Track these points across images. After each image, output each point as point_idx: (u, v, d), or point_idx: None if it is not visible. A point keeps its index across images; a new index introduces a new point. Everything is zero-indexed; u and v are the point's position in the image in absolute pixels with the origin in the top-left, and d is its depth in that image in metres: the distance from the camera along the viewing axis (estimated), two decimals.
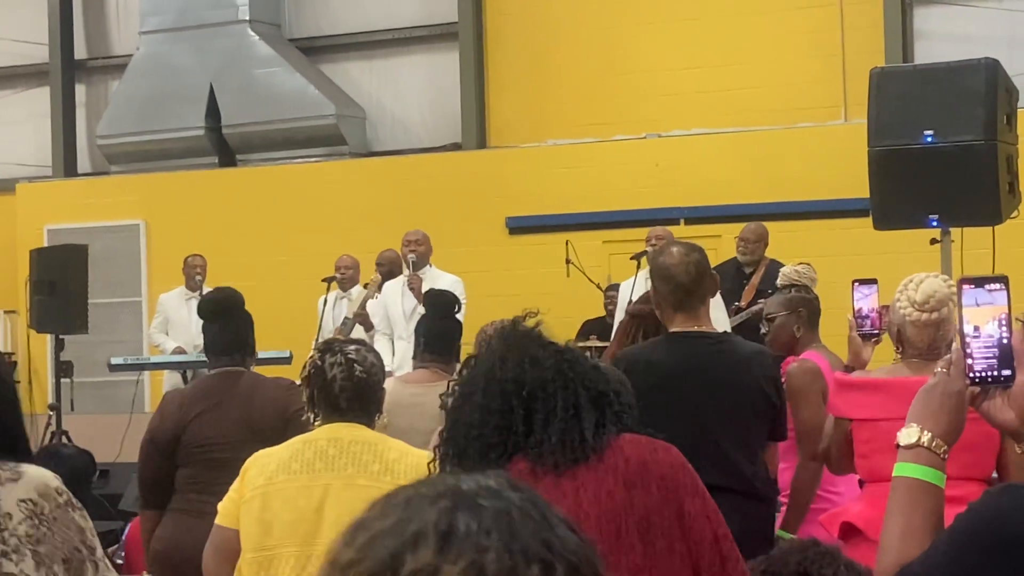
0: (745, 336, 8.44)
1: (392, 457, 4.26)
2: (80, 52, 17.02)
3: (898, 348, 4.92)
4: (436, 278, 10.21)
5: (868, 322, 5.39)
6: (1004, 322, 2.40)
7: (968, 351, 2.40)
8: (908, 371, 4.91)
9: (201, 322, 11.42)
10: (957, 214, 7.88)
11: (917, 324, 4.84)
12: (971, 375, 2.40)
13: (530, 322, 3.38)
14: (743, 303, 10.93)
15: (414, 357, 6.38)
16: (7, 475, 3.27)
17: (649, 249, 10.30)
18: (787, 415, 5.39)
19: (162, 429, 5.47)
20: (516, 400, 3.25)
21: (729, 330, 8.16)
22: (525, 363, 3.28)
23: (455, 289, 9.90)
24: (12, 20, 17.06)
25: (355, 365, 4.32)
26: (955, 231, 8.18)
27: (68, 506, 3.30)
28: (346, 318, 10.74)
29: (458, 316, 6.34)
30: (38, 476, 3.30)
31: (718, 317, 7.37)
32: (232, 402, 5.39)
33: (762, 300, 10.84)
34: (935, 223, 7.97)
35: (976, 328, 2.40)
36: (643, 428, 3.42)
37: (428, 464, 3.39)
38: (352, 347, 4.41)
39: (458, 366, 3.48)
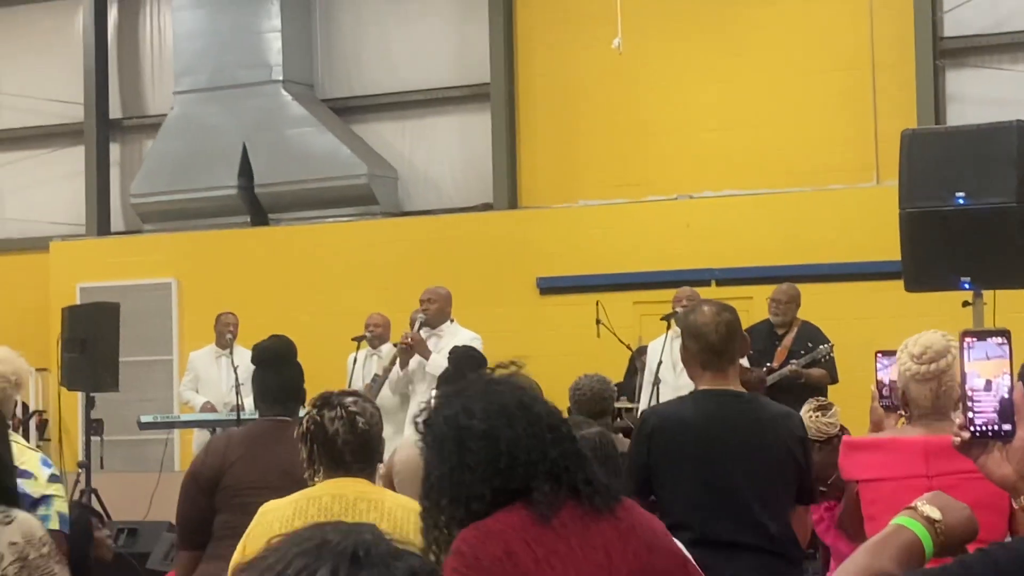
0: (777, 397, 8.42)
1: (399, 515, 4.19)
2: (115, 111, 17.17)
3: (905, 410, 4.89)
4: (455, 334, 10.20)
5: (890, 392, 5.35)
6: (1006, 377, 2.39)
7: (969, 404, 2.39)
8: (916, 431, 4.88)
9: (233, 380, 11.54)
10: (989, 277, 7.85)
11: (917, 378, 4.81)
12: (971, 428, 2.40)
13: (508, 371, 3.39)
14: (775, 364, 10.89)
15: None
16: (1, 517, 3.32)
17: (678, 310, 10.29)
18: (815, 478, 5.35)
19: (205, 467, 5.43)
20: (559, 435, 3.26)
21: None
22: (543, 402, 3.31)
23: (477, 344, 9.90)
24: (48, 80, 17.24)
25: (357, 418, 4.28)
26: (987, 294, 8.14)
27: (50, 557, 3.34)
28: (375, 376, 10.73)
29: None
30: (27, 522, 3.36)
31: None
32: (276, 449, 5.32)
33: (794, 361, 10.82)
34: (967, 285, 7.94)
35: (978, 382, 2.40)
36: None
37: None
38: (350, 399, 4.36)
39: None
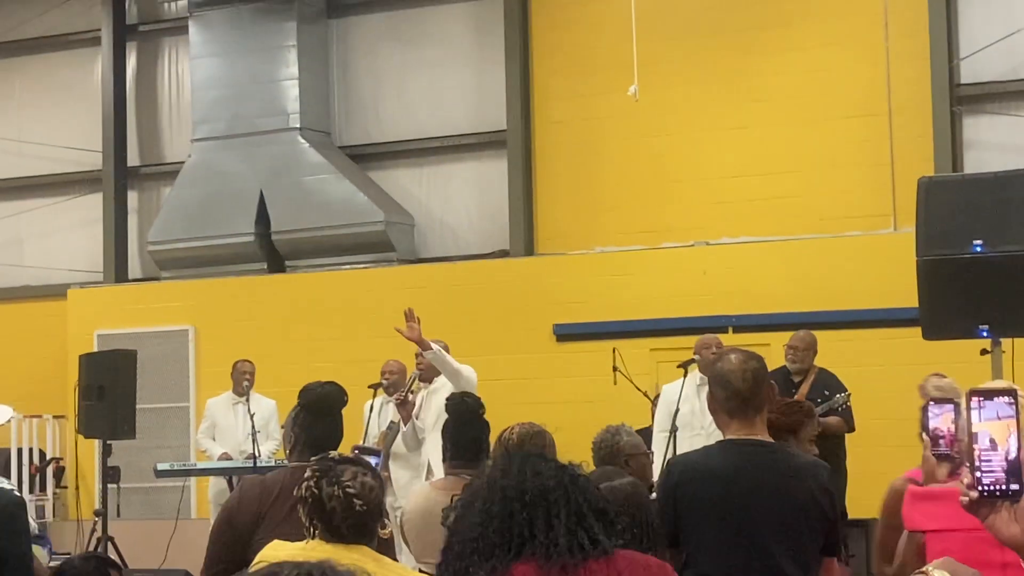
0: None
1: None
2: (133, 159, 17.24)
3: (958, 468, 4.84)
4: (445, 382, 10.17)
5: (943, 442, 5.29)
6: (1014, 436, 2.39)
7: (978, 464, 2.39)
8: None
9: (249, 427, 11.53)
10: (1007, 324, 7.83)
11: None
12: (979, 488, 2.39)
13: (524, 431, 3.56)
14: None
15: (444, 461, 6.35)
16: None
17: (697, 358, 10.26)
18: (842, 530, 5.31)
19: (241, 512, 5.39)
20: (517, 504, 3.33)
21: None
22: (526, 472, 3.39)
23: (465, 372, 9.88)
24: (66, 127, 17.33)
25: (354, 500, 4.22)
26: (1005, 342, 8.11)
27: None
28: (391, 423, 10.73)
29: (483, 417, 6.30)
30: None
31: None
32: None
33: None
34: (985, 333, 7.91)
35: (986, 441, 2.40)
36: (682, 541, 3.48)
37: None
38: (349, 475, 4.28)
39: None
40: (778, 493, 5.05)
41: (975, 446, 2.42)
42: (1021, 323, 7.81)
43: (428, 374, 10.23)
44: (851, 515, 10.89)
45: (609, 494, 3.85)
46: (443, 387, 10.14)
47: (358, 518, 4.25)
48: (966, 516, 4.86)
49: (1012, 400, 2.43)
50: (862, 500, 11.37)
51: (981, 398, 2.44)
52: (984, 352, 8.11)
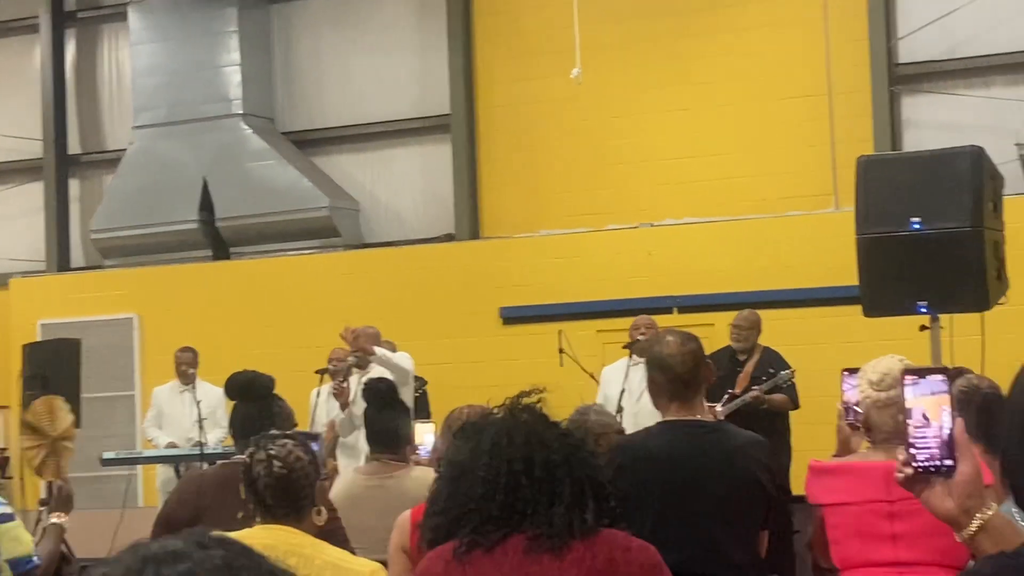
0: (739, 422, 8.45)
1: (329, 574, 4.16)
2: (74, 147, 17.13)
3: (868, 434, 4.93)
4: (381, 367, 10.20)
5: (857, 414, 5.37)
6: (947, 413, 2.44)
7: (912, 440, 2.44)
8: (879, 456, 4.91)
9: (196, 415, 11.50)
10: (945, 301, 7.90)
11: (877, 404, 4.85)
12: (914, 464, 2.44)
13: (533, 399, 3.45)
14: (737, 390, 10.94)
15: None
16: None
17: (639, 338, 10.32)
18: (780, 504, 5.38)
19: (177, 512, 5.40)
20: (525, 478, 3.31)
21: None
22: (533, 442, 3.35)
23: (404, 363, 9.93)
24: (6, 116, 17.19)
25: (274, 461, 4.25)
26: (944, 317, 8.19)
27: None
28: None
29: (404, 399, 6.32)
30: None
31: None
32: None
33: (756, 387, 10.87)
34: (924, 310, 7.98)
35: (920, 418, 2.45)
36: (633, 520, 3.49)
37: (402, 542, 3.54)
38: (279, 442, 4.32)
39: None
40: (719, 472, 5.10)
41: (909, 423, 2.46)
42: (959, 299, 7.89)
43: (363, 361, 10.24)
44: (795, 491, 11.02)
45: None
46: (375, 370, 10.16)
47: (280, 484, 4.25)
48: (860, 489, 4.96)
49: (945, 378, 2.47)
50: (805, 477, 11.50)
51: (915, 376, 2.49)
52: (923, 328, 8.19)
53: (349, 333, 9.76)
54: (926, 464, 2.45)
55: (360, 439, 10.12)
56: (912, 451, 2.45)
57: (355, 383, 10.27)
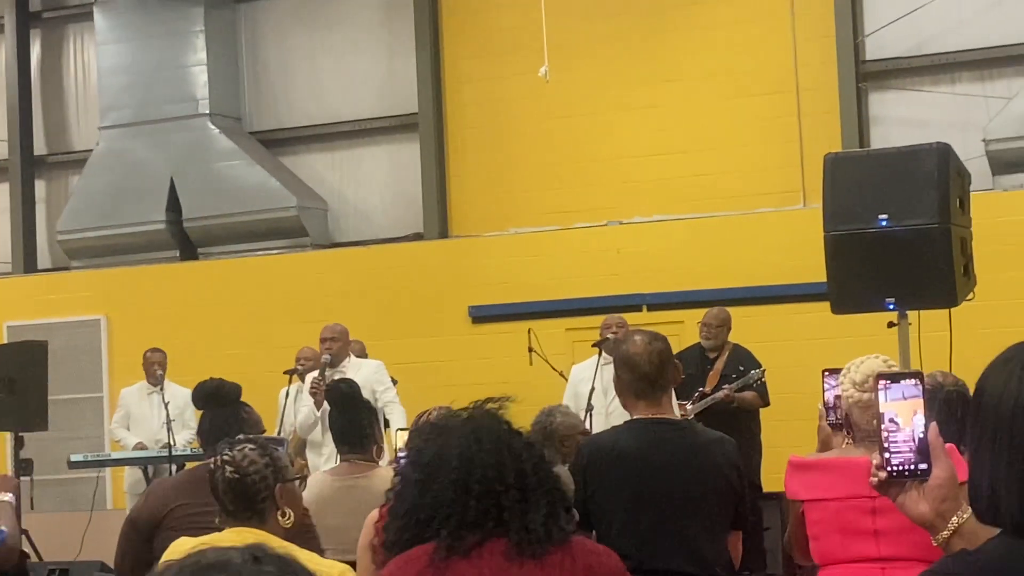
0: (710, 421, 8.47)
1: None
2: (39, 148, 17.04)
3: (848, 433, 4.94)
4: (357, 368, 10.21)
5: (837, 412, 5.38)
6: (920, 417, 2.43)
7: (886, 445, 2.44)
8: (859, 452, 4.92)
9: (164, 417, 11.45)
10: (913, 297, 7.92)
11: (860, 405, 4.87)
12: (888, 468, 2.44)
13: (496, 405, 3.46)
14: (707, 388, 10.96)
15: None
16: None
17: (610, 336, 10.32)
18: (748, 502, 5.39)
19: (145, 513, 5.41)
20: (499, 485, 3.31)
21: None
22: (502, 449, 3.36)
23: (379, 374, 9.95)
24: None
25: (227, 467, 4.29)
26: (912, 314, 8.21)
27: None
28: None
29: (370, 401, 6.33)
30: None
31: None
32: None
33: (726, 385, 10.89)
34: (892, 306, 8.00)
35: (894, 422, 2.45)
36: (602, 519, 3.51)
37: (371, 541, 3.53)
38: (238, 447, 4.36)
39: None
40: (687, 470, 5.11)
41: (883, 427, 2.46)
42: (926, 296, 7.92)
43: (337, 359, 10.24)
44: (765, 488, 11.07)
45: None
46: (350, 370, 10.15)
47: (232, 488, 4.29)
48: (841, 485, 4.97)
49: (918, 382, 2.48)
50: (776, 474, 11.51)
51: (888, 381, 2.49)
52: (891, 325, 8.20)
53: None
54: (900, 468, 2.45)
55: (328, 437, 10.13)
56: (886, 455, 2.46)
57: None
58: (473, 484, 3.29)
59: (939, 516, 2.41)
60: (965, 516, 2.36)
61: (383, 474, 5.99)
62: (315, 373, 10.35)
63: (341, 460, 6.24)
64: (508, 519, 3.29)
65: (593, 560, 3.38)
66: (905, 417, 2.47)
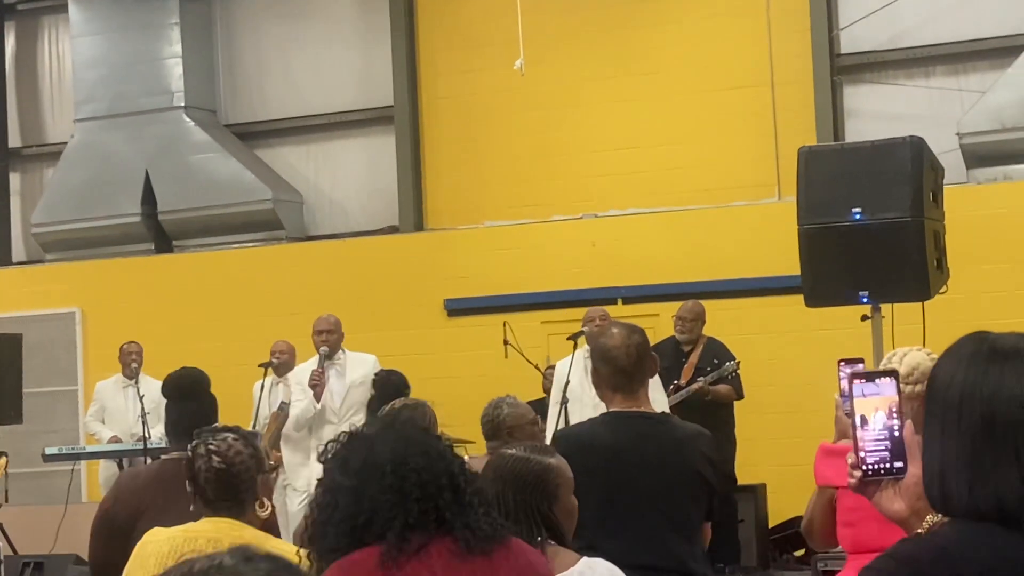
0: (684, 414, 8.49)
1: None
2: (14, 140, 16.97)
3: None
4: (357, 362, 10.18)
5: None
6: (895, 415, 2.45)
7: (861, 444, 2.45)
8: None
9: (139, 410, 11.42)
10: (886, 290, 7.96)
11: (907, 397, 4.84)
12: (864, 467, 2.46)
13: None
14: (682, 381, 10.98)
15: None
16: None
17: (589, 328, 10.34)
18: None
19: (119, 509, 5.37)
20: (433, 487, 3.34)
21: (667, 410, 8.19)
22: (432, 453, 3.41)
23: (375, 368, 9.92)
24: None
25: (214, 456, 4.29)
26: (885, 307, 8.25)
27: None
28: (282, 403, 10.69)
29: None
30: None
31: (656, 398, 7.39)
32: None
33: (701, 378, 10.92)
34: (865, 299, 8.04)
35: (868, 421, 2.46)
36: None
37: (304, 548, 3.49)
38: (220, 436, 4.36)
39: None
40: (662, 464, 5.12)
41: (857, 426, 2.47)
42: (899, 289, 7.95)
43: (332, 351, 10.22)
44: (740, 481, 11.11)
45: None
46: (349, 363, 10.13)
47: (219, 478, 4.29)
48: None
49: (893, 380, 2.49)
50: (750, 466, 11.55)
51: (863, 380, 2.50)
52: (865, 318, 8.24)
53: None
54: (876, 467, 2.46)
55: (331, 430, 10.10)
56: (861, 455, 2.47)
57: (298, 379, 10.23)
58: (410, 488, 3.32)
59: (915, 514, 2.42)
60: (938, 516, 2.38)
61: None
62: (311, 364, 10.29)
63: None
64: (450, 519, 3.32)
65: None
66: (880, 416, 2.47)
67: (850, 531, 4.91)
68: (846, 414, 4.88)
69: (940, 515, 2.36)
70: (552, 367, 11.10)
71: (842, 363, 5.34)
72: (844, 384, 5.29)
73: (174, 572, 1.52)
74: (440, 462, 3.40)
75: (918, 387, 4.82)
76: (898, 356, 4.92)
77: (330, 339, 10.21)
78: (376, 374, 6.67)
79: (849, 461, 2.48)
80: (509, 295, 13.68)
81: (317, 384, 10.01)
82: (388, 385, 6.44)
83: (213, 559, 1.52)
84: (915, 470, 2.43)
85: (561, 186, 14.23)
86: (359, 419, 9.87)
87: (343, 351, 10.42)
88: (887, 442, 2.46)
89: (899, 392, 2.48)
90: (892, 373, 2.50)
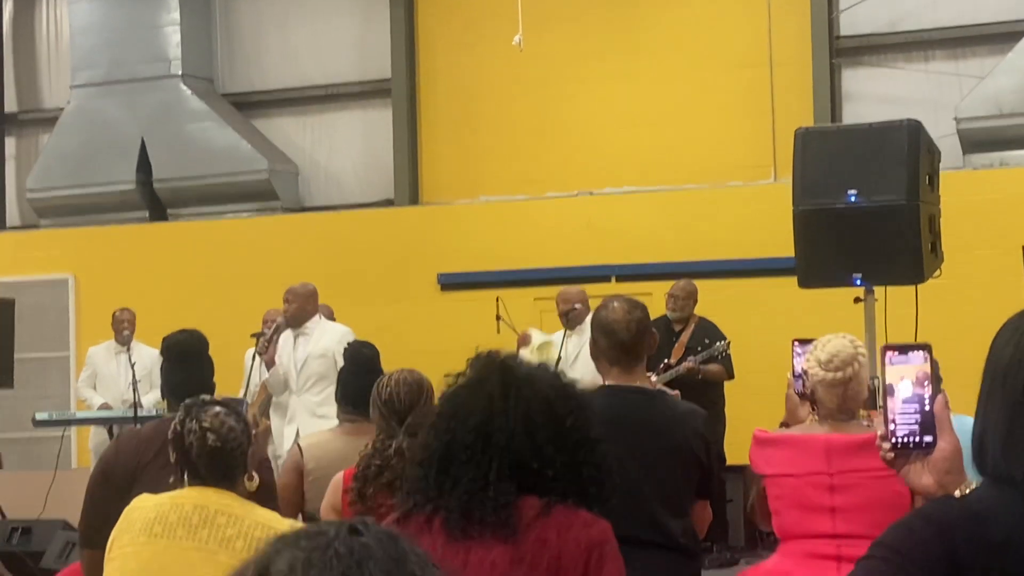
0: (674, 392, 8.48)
1: (257, 535, 4.16)
2: (10, 105, 16.94)
3: (813, 408, 4.99)
4: (324, 331, 10.14)
5: (805, 381, 5.43)
6: (927, 389, 2.46)
7: (891, 417, 2.45)
8: (824, 428, 4.97)
9: (131, 376, 11.43)
10: (880, 273, 7.96)
11: (824, 383, 4.91)
12: (893, 440, 2.46)
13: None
14: (672, 360, 11.00)
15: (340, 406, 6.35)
16: None
17: (564, 308, 10.40)
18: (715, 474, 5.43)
19: (119, 467, 5.36)
20: (526, 439, 3.28)
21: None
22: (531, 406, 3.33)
23: (343, 342, 9.88)
24: None
25: (208, 434, 4.28)
26: (878, 290, 8.25)
27: None
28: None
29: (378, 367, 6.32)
30: None
31: None
32: None
33: (691, 357, 10.93)
34: (859, 282, 8.04)
35: (900, 394, 2.47)
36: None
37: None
38: (212, 412, 4.34)
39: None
40: (656, 440, 5.13)
41: (889, 399, 2.48)
42: (893, 272, 7.95)
43: (294, 320, 10.18)
44: (729, 461, 11.12)
45: None
46: (316, 332, 10.11)
47: (213, 455, 4.28)
48: (800, 461, 5.02)
49: (925, 354, 2.49)
50: (740, 446, 11.57)
51: (895, 352, 2.50)
52: (857, 300, 8.25)
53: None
54: (905, 440, 2.47)
55: (292, 399, 10.13)
56: (892, 427, 2.47)
57: (289, 342, 10.23)
58: (503, 440, 3.31)
59: (942, 488, 2.43)
60: (968, 490, 2.40)
61: None
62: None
63: (344, 421, 6.22)
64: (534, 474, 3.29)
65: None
66: (911, 389, 2.48)
67: (776, 518, 4.99)
68: (869, 386, 4.94)
69: (969, 489, 2.38)
70: (527, 335, 11.07)
71: (796, 343, 5.38)
72: (797, 364, 5.32)
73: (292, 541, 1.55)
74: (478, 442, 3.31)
75: (839, 374, 4.87)
76: (822, 342, 4.97)
77: (290, 309, 10.17)
78: (347, 345, 6.62)
79: (879, 433, 2.49)
80: (503, 271, 13.68)
81: (263, 352, 10.01)
82: (359, 357, 6.39)
83: (322, 528, 1.56)
84: (944, 444, 2.45)
85: (557, 163, 14.22)
86: (319, 390, 9.88)
87: (319, 319, 10.35)
88: (917, 415, 2.47)
89: (932, 366, 2.49)
90: (925, 347, 2.51)
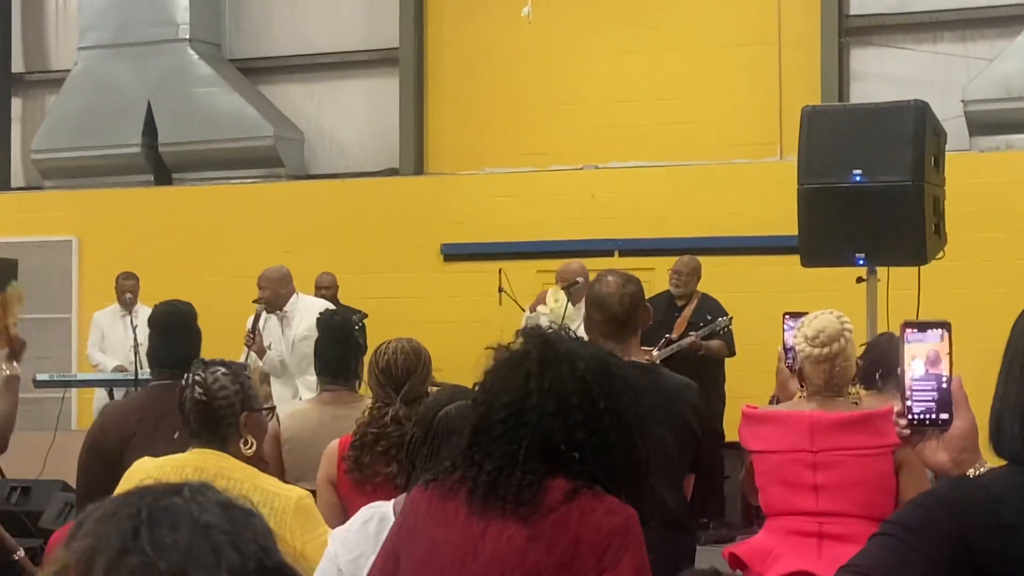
0: (676, 368, 8.50)
1: (256, 499, 4.17)
2: (17, 66, 16.91)
3: (802, 385, 5.01)
4: (305, 308, 10.02)
5: (792, 355, 5.45)
6: (944, 367, 2.47)
7: (908, 394, 2.46)
8: (810, 406, 4.98)
9: (133, 340, 11.43)
10: (883, 253, 7.96)
11: (811, 359, 4.92)
12: (909, 417, 2.47)
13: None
14: (674, 335, 11.00)
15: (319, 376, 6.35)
16: None
17: (580, 280, 10.37)
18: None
19: (106, 440, 5.40)
20: (558, 420, 3.22)
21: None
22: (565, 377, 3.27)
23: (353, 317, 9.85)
24: None
25: (197, 387, 4.33)
26: (881, 270, 8.25)
27: None
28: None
29: (353, 335, 6.30)
30: None
31: None
32: (174, 419, 5.33)
33: (693, 332, 10.94)
34: (861, 262, 8.04)
35: (917, 372, 2.47)
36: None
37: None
38: (211, 369, 4.39)
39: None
40: (652, 414, 5.13)
41: (906, 376, 2.48)
42: (896, 252, 7.95)
43: (272, 304, 10.11)
44: (728, 438, 11.14)
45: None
46: (297, 312, 10.07)
47: (200, 409, 4.33)
48: (785, 438, 5.04)
49: (944, 332, 2.50)
50: (738, 423, 11.59)
51: (914, 329, 2.51)
52: (860, 280, 8.25)
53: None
54: (922, 417, 2.47)
55: (296, 380, 10.11)
56: (908, 403, 2.48)
57: (276, 327, 10.19)
58: (535, 419, 3.27)
59: (956, 466, 2.44)
60: (982, 469, 2.40)
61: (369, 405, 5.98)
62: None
63: (323, 391, 6.22)
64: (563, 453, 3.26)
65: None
66: (928, 367, 2.48)
67: (761, 495, 5.02)
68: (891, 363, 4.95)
69: (983, 467, 2.39)
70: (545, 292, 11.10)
71: (787, 316, 5.40)
72: (788, 337, 5.34)
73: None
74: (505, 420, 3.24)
75: (825, 349, 4.89)
76: (809, 319, 4.98)
77: (263, 295, 10.08)
78: (319, 316, 6.56)
79: (896, 410, 2.50)
80: (506, 243, 13.68)
81: (251, 345, 9.95)
82: (331, 325, 6.34)
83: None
84: (960, 422, 2.45)
85: (563, 136, 14.20)
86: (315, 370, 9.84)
87: (297, 297, 10.23)
88: (934, 392, 2.47)
89: (950, 344, 2.49)
90: (944, 324, 2.51)
